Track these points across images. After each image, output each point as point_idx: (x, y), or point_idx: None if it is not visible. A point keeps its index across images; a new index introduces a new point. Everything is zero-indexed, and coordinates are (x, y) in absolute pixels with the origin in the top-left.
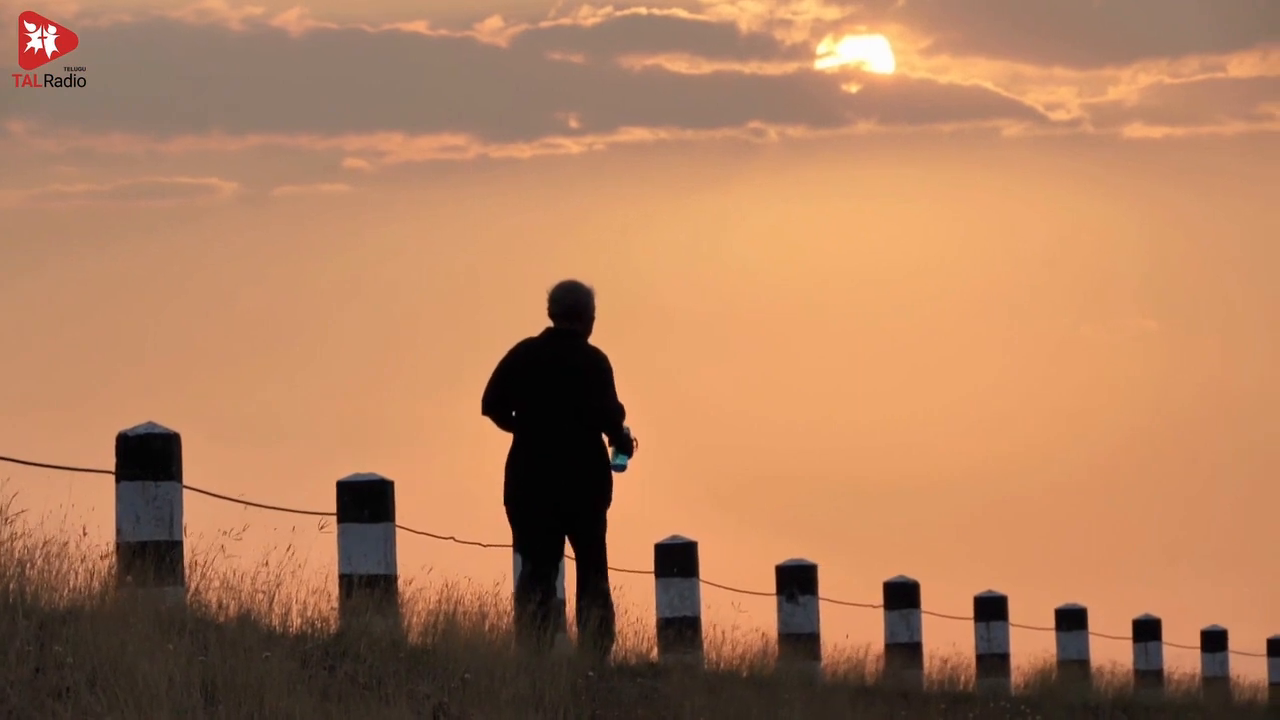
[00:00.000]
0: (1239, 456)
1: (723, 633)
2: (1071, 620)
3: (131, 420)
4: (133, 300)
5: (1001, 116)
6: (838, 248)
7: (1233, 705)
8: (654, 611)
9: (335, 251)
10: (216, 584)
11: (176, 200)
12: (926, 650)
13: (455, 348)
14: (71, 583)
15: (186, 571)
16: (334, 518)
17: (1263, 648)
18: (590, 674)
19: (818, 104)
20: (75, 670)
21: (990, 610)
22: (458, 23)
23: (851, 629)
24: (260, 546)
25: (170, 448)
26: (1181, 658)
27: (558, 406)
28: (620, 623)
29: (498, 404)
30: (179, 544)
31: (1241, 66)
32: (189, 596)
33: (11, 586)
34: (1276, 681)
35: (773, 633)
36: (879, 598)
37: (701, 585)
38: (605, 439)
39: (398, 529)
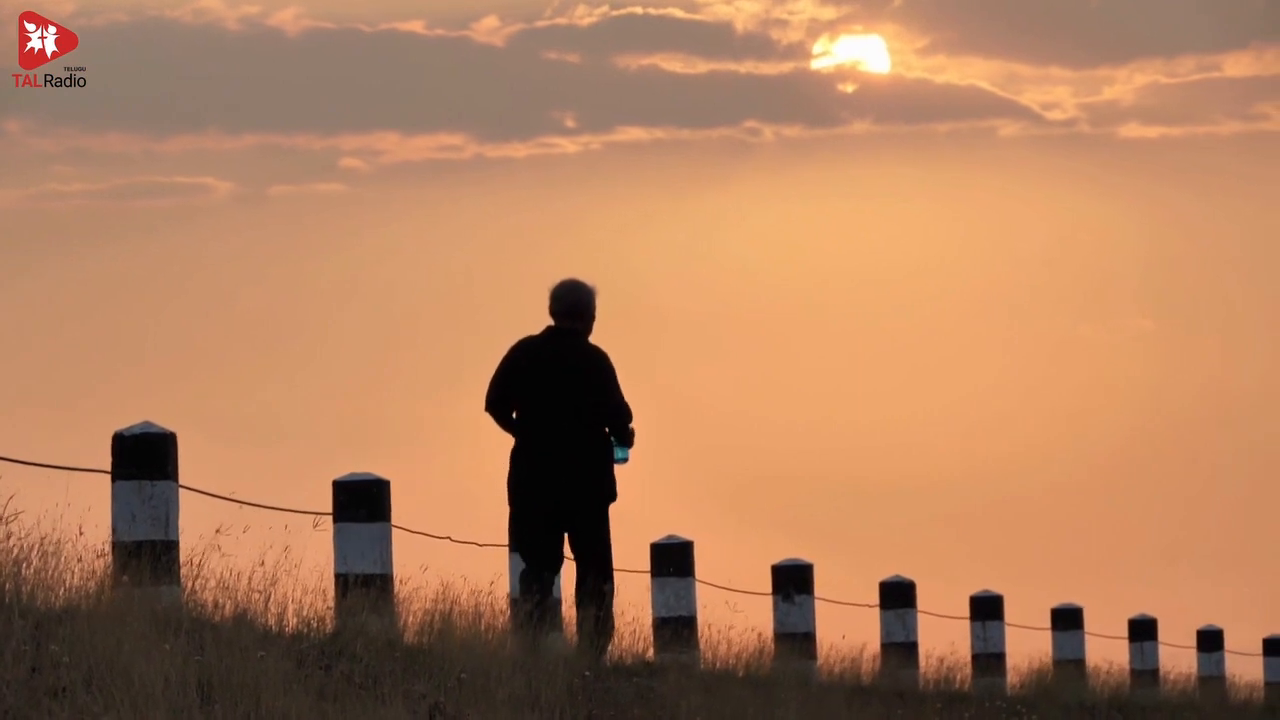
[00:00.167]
0: (1236, 457)
1: (719, 632)
2: (1067, 620)
3: (128, 420)
4: (129, 300)
5: (997, 116)
6: (834, 247)
7: (1228, 705)
8: (650, 611)
9: (332, 251)
10: (212, 583)
11: (173, 200)
12: (922, 650)
13: (452, 347)
14: (67, 582)
15: (182, 571)
16: (330, 517)
17: (1258, 647)
18: (586, 674)
19: (814, 104)
20: (71, 670)
21: (986, 610)
22: (454, 22)
23: (847, 628)
24: (256, 546)
25: (166, 447)
26: (1177, 657)
27: (558, 405)
28: (617, 622)
29: (499, 403)
30: (175, 543)
31: (1237, 66)
32: (185, 596)
33: (7, 586)
34: (1272, 681)
35: (769, 632)
36: (875, 597)
37: (697, 585)
38: (608, 433)
39: (394, 528)
